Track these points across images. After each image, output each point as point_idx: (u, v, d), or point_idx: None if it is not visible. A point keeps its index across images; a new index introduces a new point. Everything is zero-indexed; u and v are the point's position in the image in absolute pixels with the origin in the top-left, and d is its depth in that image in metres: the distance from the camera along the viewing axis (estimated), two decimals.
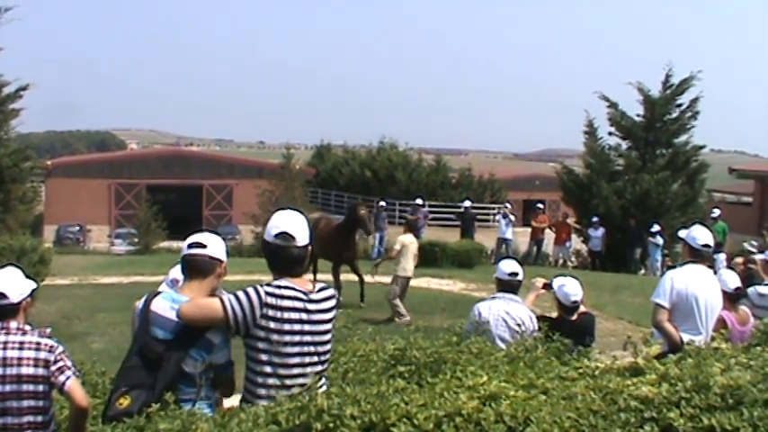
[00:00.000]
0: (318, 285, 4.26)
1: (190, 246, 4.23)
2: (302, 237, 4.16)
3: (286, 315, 4.01)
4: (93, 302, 16.52)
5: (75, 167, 49.12)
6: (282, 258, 4.15)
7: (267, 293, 4.02)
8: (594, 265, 26.94)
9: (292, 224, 4.16)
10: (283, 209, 4.36)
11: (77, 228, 41.10)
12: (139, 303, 4.19)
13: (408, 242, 14.91)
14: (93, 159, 57.93)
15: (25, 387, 4.62)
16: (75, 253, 31.06)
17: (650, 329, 6.79)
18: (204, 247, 4.20)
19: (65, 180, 44.62)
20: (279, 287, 4.06)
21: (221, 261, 4.27)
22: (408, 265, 14.75)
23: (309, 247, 4.22)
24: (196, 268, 4.19)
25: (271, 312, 3.99)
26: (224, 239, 4.38)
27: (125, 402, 3.85)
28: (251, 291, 4.03)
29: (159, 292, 4.21)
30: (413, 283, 19.08)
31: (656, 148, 30.07)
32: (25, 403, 4.63)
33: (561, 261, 27.42)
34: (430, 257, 23.28)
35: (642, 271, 26.59)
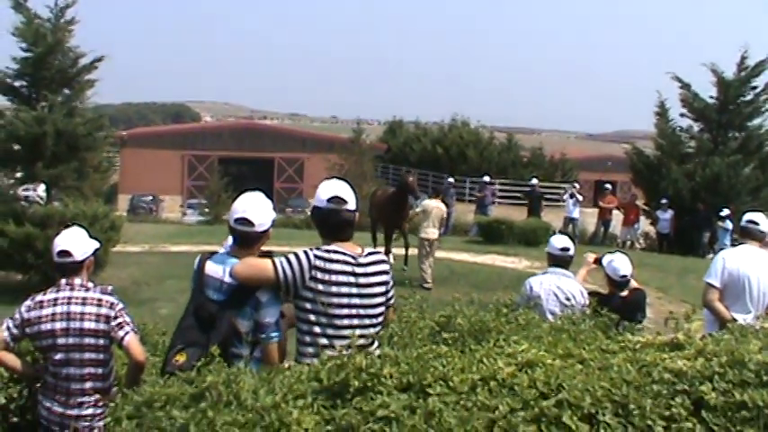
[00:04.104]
0: (368, 250, 4.38)
1: (237, 221, 4.30)
2: (352, 201, 4.31)
3: (334, 278, 4.14)
4: (162, 270, 16.92)
5: (150, 139, 49.86)
6: (334, 222, 4.29)
7: (316, 257, 4.16)
8: (662, 248, 26.61)
9: (342, 189, 4.31)
10: (329, 179, 4.50)
11: (150, 197, 41.81)
12: (195, 264, 4.36)
13: (431, 207, 15.61)
14: (166, 131, 58.69)
15: (87, 340, 4.85)
16: (148, 222, 31.61)
17: None
18: (252, 225, 4.28)
19: (139, 151, 45.30)
20: (328, 251, 4.19)
21: (267, 232, 4.39)
22: (429, 228, 15.45)
23: (357, 214, 4.36)
24: (245, 240, 4.32)
25: (319, 275, 4.13)
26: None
27: (181, 359, 4.05)
28: (301, 253, 4.18)
29: (213, 254, 4.38)
30: (478, 259, 19.37)
31: (728, 131, 29.37)
32: (87, 355, 4.87)
33: (629, 243, 27.13)
34: (496, 235, 23.40)
35: (710, 255, 26.08)
